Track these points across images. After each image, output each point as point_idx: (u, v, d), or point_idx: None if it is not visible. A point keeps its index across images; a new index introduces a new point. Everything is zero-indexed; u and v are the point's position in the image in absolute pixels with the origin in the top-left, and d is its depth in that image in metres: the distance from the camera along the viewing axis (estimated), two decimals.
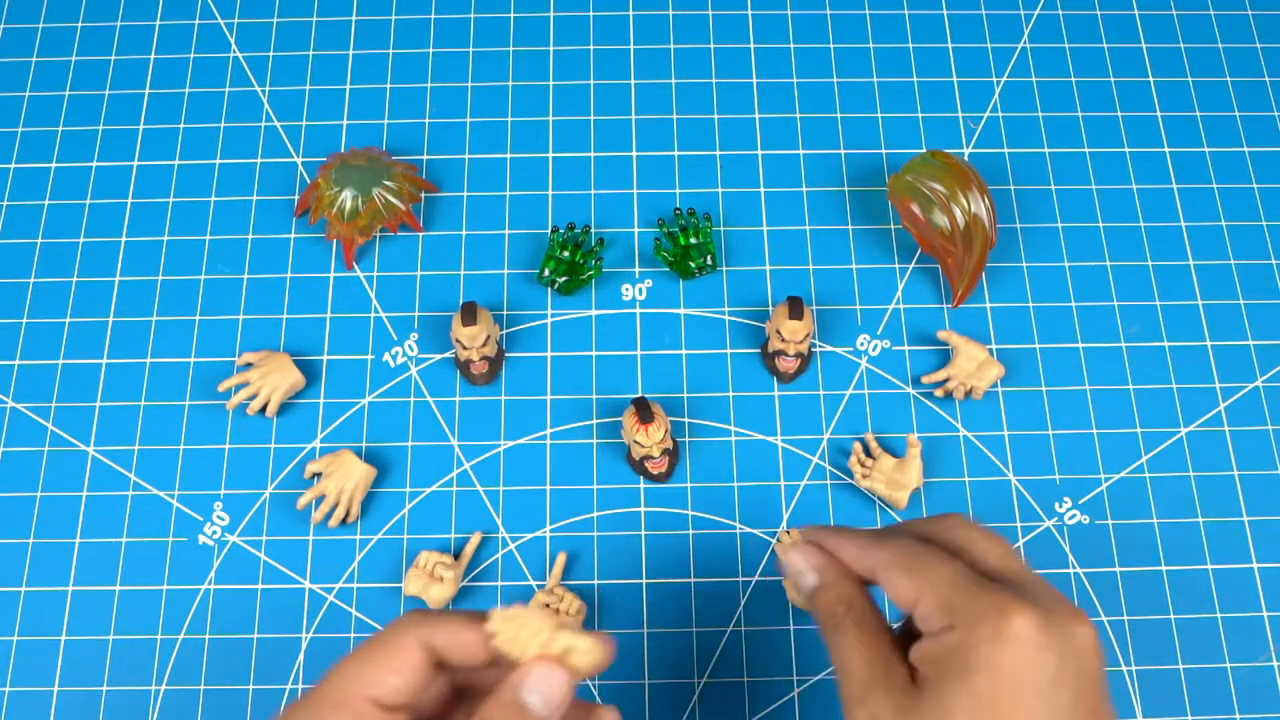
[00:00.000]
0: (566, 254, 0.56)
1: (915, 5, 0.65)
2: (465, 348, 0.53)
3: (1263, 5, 0.65)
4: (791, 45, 0.64)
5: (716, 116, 0.62)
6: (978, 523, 0.39)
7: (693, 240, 0.57)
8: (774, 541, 0.49)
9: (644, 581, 0.52)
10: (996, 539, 0.38)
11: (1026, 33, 0.65)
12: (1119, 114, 0.62)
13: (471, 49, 0.64)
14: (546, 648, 0.32)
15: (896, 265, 0.58)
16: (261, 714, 0.50)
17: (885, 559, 0.37)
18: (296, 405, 0.55)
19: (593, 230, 0.59)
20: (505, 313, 0.57)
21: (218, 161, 0.61)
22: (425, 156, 0.61)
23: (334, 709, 0.32)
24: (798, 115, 0.62)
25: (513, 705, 0.32)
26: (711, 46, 0.64)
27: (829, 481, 0.54)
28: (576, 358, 0.56)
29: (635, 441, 0.51)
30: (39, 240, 0.59)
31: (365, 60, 0.63)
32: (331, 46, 0.64)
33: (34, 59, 0.63)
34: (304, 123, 0.62)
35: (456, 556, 0.52)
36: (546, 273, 0.56)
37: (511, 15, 0.65)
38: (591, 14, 0.65)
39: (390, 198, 0.57)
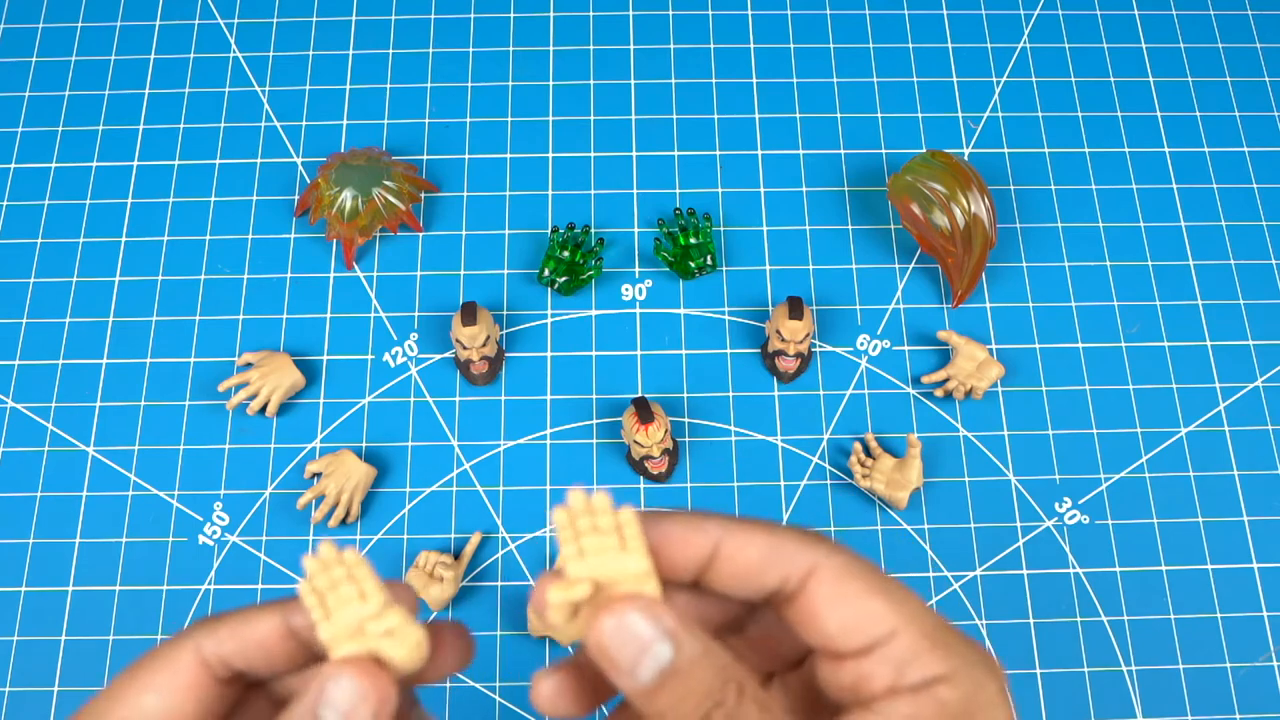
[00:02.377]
0: (566, 254, 0.56)
1: (915, 5, 0.65)
2: (465, 348, 0.53)
3: (1263, 5, 0.65)
4: (791, 45, 0.64)
5: (716, 116, 0.62)
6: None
7: (693, 240, 0.57)
8: (540, 578, 0.24)
9: None
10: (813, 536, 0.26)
11: (1026, 33, 0.65)
12: (1119, 114, 0.62)
13: (471, 49, 0.64)
14: (359, 635, 0.23)
15: (896, 265, 0.58)
16: None
17: (836, 563, 0.23)
18: (296, 405, 0.55)
19: (593, 230, 0.59)
20: (505, 313, 0.57)
21: (218, 161, 0.61)
22: (425, 156, 0.61)
23: None
24: (798, 115, 0.62)
25: None
26: (711, 46, 0.64)
27: (829, 481, 0.54)
28: (576, 358, 0.56)
29: (635, 441, 0.51)
30: (39, 240, 0.59)
31: (365, 60, 0.63)
32: (331, 46, 0.64)
33: (34, 59, 0.63)
34: (304, 123, 0.62)
35: (456, 556, 0.52)
36: (546, 273, 0.56)
37: (511, 15, 0.65)
38: (591, 14, 0.65)
39: (390, 198, 0.57)
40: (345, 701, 0.23)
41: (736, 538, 0.23)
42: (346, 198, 0.57)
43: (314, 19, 0.64)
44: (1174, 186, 0.61)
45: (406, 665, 0.23)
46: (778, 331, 0.53)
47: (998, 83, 0.63)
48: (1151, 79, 0.63)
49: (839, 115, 0.62)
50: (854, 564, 0.24)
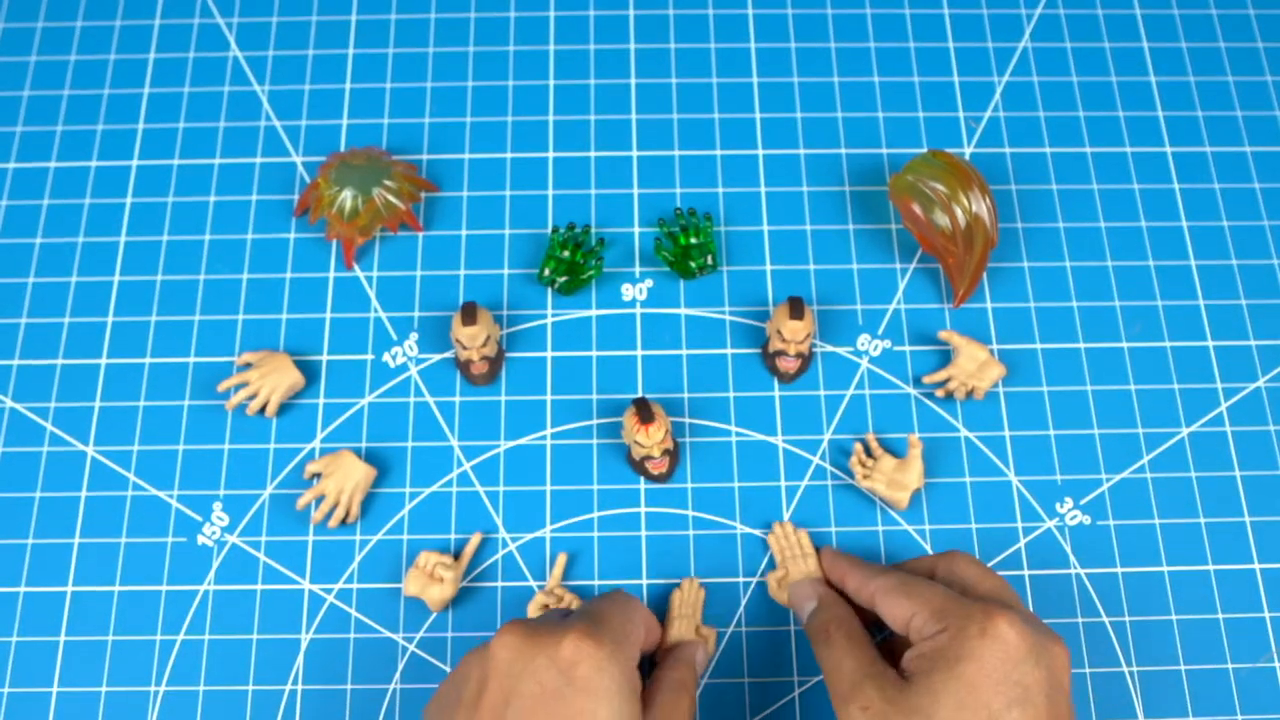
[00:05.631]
0: (566, 254, 0.56)
1: (916, 5, 0.65)
2: (465, 348, 0.53)
3: (1264, 5, 0.65)
4: (792, 45, 0.64)
5: (717, 116, 0.62)
6: (979, 561, 0.46)
7: (693, 240, 0.57)
8: (768, 533, 0.53)
9: (644, 582, 0.52)
10: (992, 575, 0.44)
11: (1028, 32, 0.64)
12: (1120, 114, 0.62)
13: (471, 48, 0.64)
14: None
15: (897, 265, 0.58)
16: (261, 715, 0.50)
17: (885, 584, 0.44)
18: (296, 405, 0.55)
19: (593, 230, 0.59)
20: (505, 313, 0.57)
21: (217, 161, 0.61)
22: (425, 156, 0.61)
23: None
24: (798, 115, 0.62)
25: None
26: (712, 46, 0.64)
27: (829, 482, 0.54)
28: (576, 358, 0.56)
29: (635, 442, 0.51)
30: (38, 240, 0.59)
31: (365, 60, 0.63)
32: (331, 46, 0.64)
33: (33, 58, 0.63)
34: (304, 122, 0.62)
35: (456, 557, 0.52)
36: (546, 273, 0.56)
37: (511, 15, 0.64)
38: (592, 14, 0.64)
39: (390, 197, 0.57)
40: None
41: (846, 572, 0.48)
42: (346, 197, 0.57)
43: (314, 18, 0.64)
44: (1176, 186, 0.60)
45: None
46: (778, 331, 0.53)
47: (999, 82, 0.63)
48: (1153, 79, 0.63)
49: (839, 115, 0.62)
50: (892, 581, 0.44)
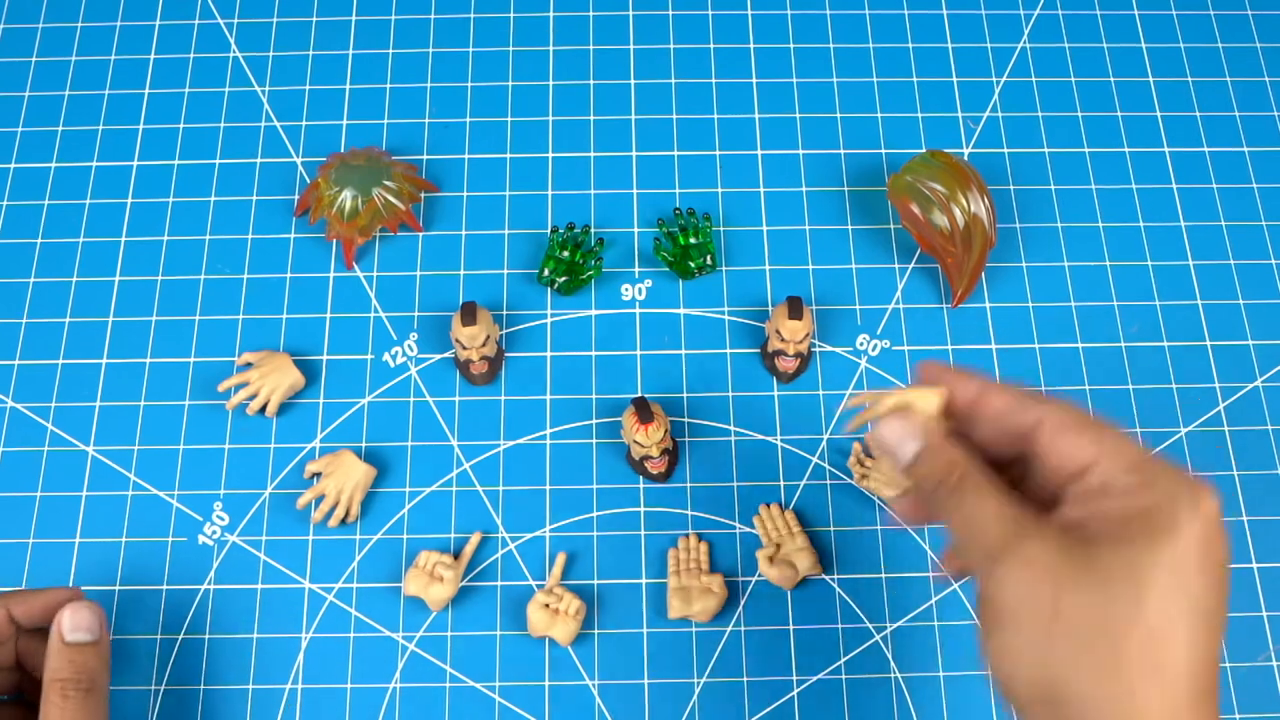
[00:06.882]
0: (566, 254, 0.56)
1: (915, 5, 0.65)
2: (465, 348, 0.53)
3: (1262, 5, 0.65)
4: (791, 45, 0.64)
5: (716, 116, 0.62)
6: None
7: (692, 240, 0.57)
8: (755, 516, 0.52)
9: (644, 581, 0.52)
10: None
11: (1026, 33, 0.65)
12: (1119, 114, 0.62)
13: (471, 49, 0.64)
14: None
15: (896, 265, 0.58)
16: (261, 714, 0.50)
17: (1056, 415, 0.34)
18: (296, 405, 0.55)
19: (593, 230, 0.59)
20: (505, 313, 0.57)
21: (217, 161, 0.61)
22: (425, 156, 0.61)
23: None
24: (798, 115, 0.62)
25: (69, 652, 0.42)
26: (711, 46, 0.64)
27: (828, 481, 0.54)
28: (576, 358, 0.56)
29: (635, 441, 0.51)
30: (39, 240, 0.59)
31: (365, 60, 0.63)
32: (331, 46, 0.64)
33: (34, 59, 0.63)
34: (304, 123, 0.62)
35: (456, 556, 0.52)
36: (546, 273, 0.56)
37: (511, 15, 0.65)
38: (591, 14, 0.65)
39: (390, 198, 0.57)
40: (82, 619, 0.44)
41: (991, 390, 0.35)
42: (346, 198, 0.57)
43: (314, 19, 0.64)
44: (1174, 186, 0.61)
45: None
46: (777, 331, 0.53)
47: (997, 83, 0.63)
48: (1151, 79, 0.63)
49: (839, 115, 0.62)
50: (1070, 417, 0.34)
